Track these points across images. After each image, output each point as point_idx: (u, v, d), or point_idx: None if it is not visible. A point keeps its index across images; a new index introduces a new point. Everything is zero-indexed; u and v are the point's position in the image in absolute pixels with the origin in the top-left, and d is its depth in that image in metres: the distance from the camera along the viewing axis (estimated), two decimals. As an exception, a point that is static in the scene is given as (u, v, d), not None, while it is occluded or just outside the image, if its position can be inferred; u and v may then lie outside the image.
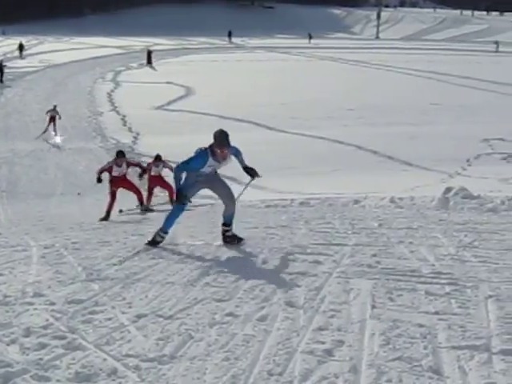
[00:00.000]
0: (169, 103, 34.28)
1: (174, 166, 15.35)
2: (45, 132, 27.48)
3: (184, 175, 8.20)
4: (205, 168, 8.04)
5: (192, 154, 8.14)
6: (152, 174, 16.40)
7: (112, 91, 38.51)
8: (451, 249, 7.55)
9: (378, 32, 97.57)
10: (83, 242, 8.91)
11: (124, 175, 14.86)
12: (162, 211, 13.55)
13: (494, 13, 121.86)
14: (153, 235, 8.31)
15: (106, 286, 6.29)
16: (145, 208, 15.47)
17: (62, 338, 4.87)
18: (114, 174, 14.61)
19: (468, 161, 22.83)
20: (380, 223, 9.48)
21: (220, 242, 8.30)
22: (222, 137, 7.93)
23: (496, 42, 73.94)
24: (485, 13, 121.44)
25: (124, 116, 30.99)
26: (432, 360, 4.37)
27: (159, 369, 4.35)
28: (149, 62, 51.80)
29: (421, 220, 9.70)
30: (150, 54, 52.41)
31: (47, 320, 5.26)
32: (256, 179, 8.59)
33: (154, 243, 8.21)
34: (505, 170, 20.79)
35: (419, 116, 30.52)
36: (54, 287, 6.29)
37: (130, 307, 5.63)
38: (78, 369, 4.34)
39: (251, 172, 8.50)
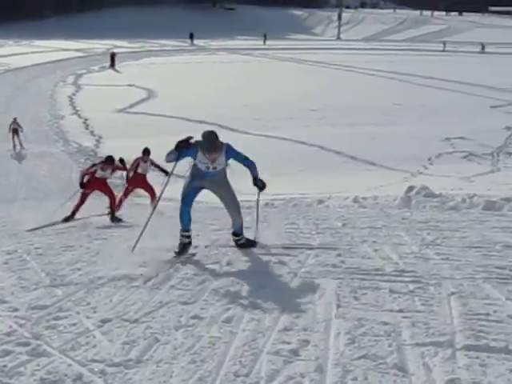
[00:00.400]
0: (131, 106, 34.06)
1: (159, 164, 15.03)
2: (14, 147, 26.98)
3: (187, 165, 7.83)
4: (197, 162, 7.64)
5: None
6: (139, 171, 15.08)
7: (73, 94, 38.14)
8: (414, 247, 7.63)
9: (339, 33, 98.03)
10: (46, 247, 8.84)
11: (105, 179, 14.06)
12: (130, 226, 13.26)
13: (453, 13, 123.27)
14: (178, 243, 7.84)
15: (70, 292, 6.25)
16: (115, 218, 13.81)
17: (26, 344, 4.83)
18: (96, 175, 13.80)
19: (430, 160, 23.09)
20: (344, 223, 9.54)
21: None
22: (207, 140, 7.49)
23: (444, 42, 75.84)
24: (444, 13, 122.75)
25: (86, 119, 30.71)
26: (397, 357, 4.42)
27: (125, 373, 4.33)
28: (112, 64, 51.44)
29: (384, 219, 9.78)
30: (113, 56, 52.01)
31: (11, 327, 5.21)
32: (262, 192, 8.24)
33: (183, 249, 7.76)
34: (466, 169, 21.07)
35: (381, 116, 30.75)
36: (17, 293, 6.23)
37: (94, 312, 5.60)
38: (43, 375, 4.31)
39: (259, 184, 8.04)
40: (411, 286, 6.01)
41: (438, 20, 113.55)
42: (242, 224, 8.00)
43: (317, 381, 4.12)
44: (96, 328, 5.18)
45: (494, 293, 5.71)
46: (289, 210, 11.95)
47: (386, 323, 5.05)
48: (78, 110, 33.23)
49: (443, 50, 71.79)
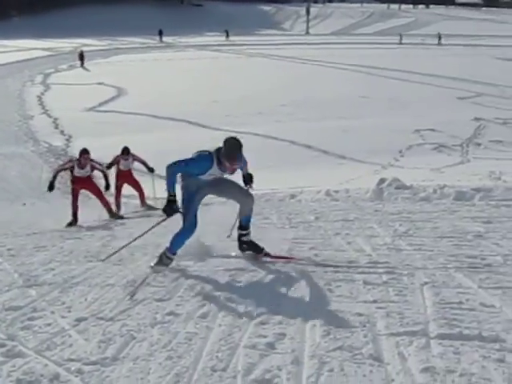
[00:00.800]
0: (100, 104, 33.84)
1: (144, 160, 14.78)
2: None
3: (180, 180, 6.95)
4: (205, 176, 6.76)
5: (191, 155, 6.80)
6: (121, 168, 14.77)
7: (42, 94, 37.81)
8: (387, 238, 7.70)
9: (307, 28, 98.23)
10: (19, 248, 8.78)
11: (88, 177, 13.18)
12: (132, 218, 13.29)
13: (420, 6, 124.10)
14: (158, 257, 7.00)
15: (44, 292, 6.22)
16: (116, 216, 13.34)
17: (2, 345, 4.80)
18: (77, 174, 12.99)
19: (400, 152, 23.18)
20: (316, 216, 9.60)
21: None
22: (234, 148, 6.57)
23: (400, 35, 76.68)
24: (411, 6, 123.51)
25: (55, 119, 30.44)
26: (372, 348, 4.46)
27: (102, 371, 4.33)
28: (81, 63, 51.09)
29: (356, 211, 9.85)
30: (82, 54, 51.66)
31: (-15, 329, 5.18)
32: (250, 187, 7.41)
33: (161, 264, 6.90)
34: (436, 160, 21.21)
35: (351, 109, 30.84)
36: (-10, 295, 6.19)
37: (69, 311, 5.58)
38: (19, 376, 4.29)
39: (248, 179, 7.41)
40: (385, 277, 6.06)
41: (406, 13, 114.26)
42: (250, 213, 7.16)
43: (293, 373, 4.15)
44: (71, 327, 5.16)
45: (466, 282, 5.78)
46: (262, 205, 11.95)
47: (360, 314, 5.09)
48: (47, 110, 32.95)
49: (400, 43, 72.59)
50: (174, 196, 6.64)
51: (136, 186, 15.09)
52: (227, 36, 78.94)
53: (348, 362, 4.27)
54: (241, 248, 7.24)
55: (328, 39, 78.28)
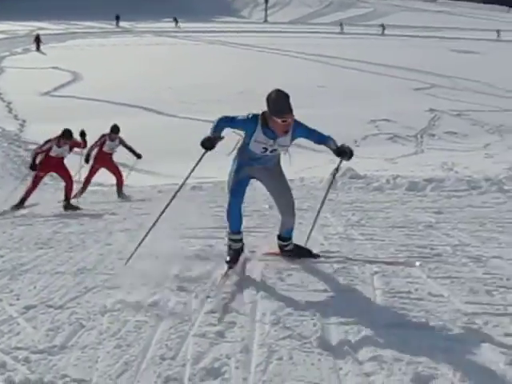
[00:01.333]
0: (55, 89, 33.40)
1: (131, 145, 13.96)
2: None
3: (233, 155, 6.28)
4: (251, 142, 5.98)
5: (243, 115, 6.08)
6: (104, 149, 13.67)
7: (-5, 77, 37.23)
8: (339, 228, 7.76)
9: (266, 15, 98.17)
10: (-33, 234, 8.65)
11: (62, 158, 12.41)
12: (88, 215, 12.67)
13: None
14: (227, 248, 6.38)
15: (-7, 279, 6.14)
16: (70, 206, 12.30)
17: None
18: (52, 154, 12.24)
19: (356, 142, 23.33)
20: (270, 205, 9.58)
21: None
22: (281, 98, 5.70)
23: (341, 24, 77.21)
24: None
25: (9, 103, 29.96)
26: (321, 336, 4.48)
27: (49, 360, 4.28)
28: (37, 47, 50.32)
29: (310, 201, 9.87)
30: (38, 38, 50.86)
31: None
32: (344, 162, 6.63)
33: (235, 256, 6.25)
34: (390, 150, 21.45)
35: (308, 98, 30.79)
36: None
37: (18, 299, 5.52)
38: (-34, 364, 4.23)
39: (342, 151, 6.32)
40: (336, 266, 6.11)
41: (364, 3, 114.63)
42: (293, 226, 6.45)
43: (242, 361, 4.15)
44: (19, 315, 5.10)
45: (415, 271, 5.85)
46: (217, 193, 11.95)
47: (310, 303, 5.12)
48: (0, 94, 32.42)
49: (341, 32, 73.33)
50: (216, 136, 6.02)
51: (116, 172, 14.13)
52: (176, 23, 77.89)
53: (297, 351, 4.29)
54: (283, 253, 6.52)
55: (286, 28, 78.26)
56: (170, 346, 4.42)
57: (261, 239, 7.30)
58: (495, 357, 4.19)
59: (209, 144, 5.98)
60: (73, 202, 12.54)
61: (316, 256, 6.40)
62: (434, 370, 3.99)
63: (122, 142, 13.86)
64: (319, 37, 64.87)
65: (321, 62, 44.99)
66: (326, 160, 19.64)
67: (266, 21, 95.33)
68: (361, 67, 41.93)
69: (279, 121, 5.67)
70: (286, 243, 6.46)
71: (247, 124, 5.93)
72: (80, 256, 6.97)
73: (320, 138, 6.23)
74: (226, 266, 6.08)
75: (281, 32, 70.58)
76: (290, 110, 5.66)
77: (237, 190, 6.17)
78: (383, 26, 74.35)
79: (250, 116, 5.94)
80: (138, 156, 14.15)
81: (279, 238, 6.50)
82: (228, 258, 6.21)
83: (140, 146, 14.23)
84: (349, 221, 8.16)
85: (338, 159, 6.44)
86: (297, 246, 6.52)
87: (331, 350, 4.30)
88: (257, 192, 11.63)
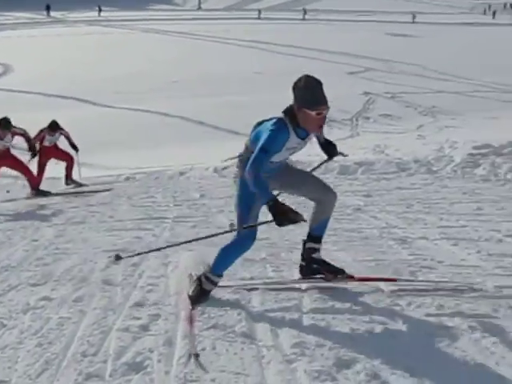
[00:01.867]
0: (-16, 81, 32.71)
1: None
2: None
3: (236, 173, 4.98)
4: (280, 154, 4.69)
5: (265, 133, 4.59)
6: (45, 144, 13.00)
7: None
8: (270, 214, 7.73)
9: (200, 2, 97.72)
10: None
11: (8, 149, 11.80)
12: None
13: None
14: (195, 281, 5.07)
15: None
16: (39, 192, 12.06)
17: None
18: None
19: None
20: (202, 194, 9.58)
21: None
22: (313, 86, 4.61)
23: (259, 11, 77.82)
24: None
25: None
26: (245, 325, 4.47)
27: (-34, 362, 4.18)
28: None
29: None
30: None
31: None
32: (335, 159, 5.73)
33: (202, 298, 4.94)
34: (326, 134, 21.45)
35: (243, 85, 30.90)
36: None
37: None
38: None
39: (330, 149, 5.34)
40: (263, 254, 6.11)
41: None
42: (329, 217, 5.18)
43: (165, 354, 4.11)
44: None
45: (341, 255, 5.89)
46: (149, 184, 11.85)
47: (236, 292, 5.10)
48: None
49: (258, 18, 73.98)
50: (275, 199, 4.60)
51: (66, 156, 13.40)
52: (48, 11, 75.98)
53: (220, 341, 4.26)
54: (307, 271, 5.22)
55: (220, 15, 78.06)
56: (92, 342, 4.35)
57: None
58: (416, 338, 4.25)
59: (288, 218, 4.72)
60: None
61: (348, 276, 5.14)
62: (356, 354, 4.01)
63: (64, 133, 13.27)
64: (253, 23, 64.89)
65: (256, 48, 45.01)
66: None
67: (199, 8, 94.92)
68: (295, 52, 42.09)
69: (313, 114, 4.55)
70: (316, 246, 5.16)
71: (280, 137, 4.58)
72: (5, 253, 6.82)
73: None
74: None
75: (215, 19, 70.36)
76: (326, 100, 4.57)
77: (251, 236, 4.90)
78: (304, 11, 75.35)
79: (279, 125, 4.60)
80: (76, 148, 13.78)
81: (308, 239, 5.18)
82: (191, 294, 4.97)
83: (75, 138, 13.94)
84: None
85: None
86: (325, 262, 5.19)
87: (255, 338, 4.29)
88: (190, 181, 11.64)
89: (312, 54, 40.96)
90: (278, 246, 6.34)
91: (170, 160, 16.70)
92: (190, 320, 4.57)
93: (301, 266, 5.23)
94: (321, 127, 4.74)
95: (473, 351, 4.05)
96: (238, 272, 5.55)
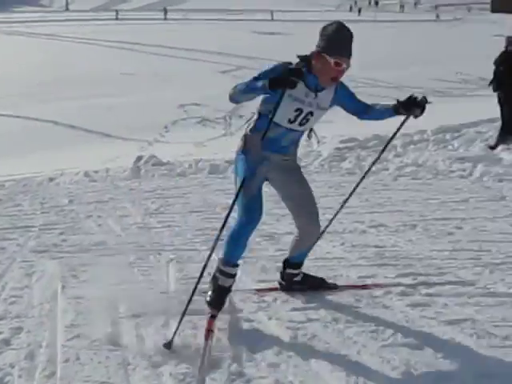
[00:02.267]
0: None
1: None
2: None
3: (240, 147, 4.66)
4: (285, 106, 4.33)
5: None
6: None
7: None
8: (138, 217, 7.70)
9: (67, 3, 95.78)
10: None
11: None
12: None
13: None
14: (210, 284, 4.67)
15: None
16: None
17: None
18: None
19: (166, 127, 23.29)
20: (70, 199, 9.35)
21: None
22: (342, 34, 4.30)
23: (116, 11, 77.71)
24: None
25: None
26: (111, 332, 4.39)
27: None
28: None
29: (112, 192, 9.75)
30: None
31: None
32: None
33: (221, 297, 4.58)
34: (200, 134, 21.56)
35: (115, 87, 30.46)
36: None
37: None
38: None
39: (410, 104, 4.40)
40: (132, 258, 6.05)
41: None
42: (312, 245, 5.00)
43: (26, 369, 3.97)
44: None
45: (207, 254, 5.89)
46: (17, 191, 11.45)
47: (103, 298, 4.99)
48: None
49: (116, 18, 73.78)
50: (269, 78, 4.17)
51: None
52: None
53: (85, 350, 4.17)
54: (288, 288, 5.07)
55: (89, 15, 76.79)
56: (-51, 360, 4.16)
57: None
58: (281, 332, 4.33)
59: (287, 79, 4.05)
60: None
61: (332, 286, 5.12)
62: (221, 354, 4.04)
63: None
64: (123, 23, 64.21)
65: (125, 48, 44.53)
66: (135, 148, 19.56)
67: (67, 9, 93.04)
68: (165, 52, 41.93)
69: (332, 62, 4.22)
70: (296, 271, 5.03)
71: (277, 69, 4.28)
72: None
73: (365, 106, 4.65)
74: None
75: (83, 20, 69.10)
76: (350, 54, 4.27)
77: (253, 208, 4.53)
78: (165, 10, 75.78)
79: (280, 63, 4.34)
80: None
81: (287, 264, 5.02)
82: (209, 299, 4.58)
83: None
84: (148, 209, 8.11)
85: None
86: (306, 276, 5.12)
87: (120, 344, 4.23)
88: (60, 187, 11.34)
89: (182, 54, 40.91)
90: (147, 249, 6.27)
91: (42, 166, 16.27)
92: (207, 334, 4.20)
93: (280, 284, 5.10)
94: (335, 81, 4.35)
95: (336, 342, 4.17)
96: (104, 278, 5.45)
